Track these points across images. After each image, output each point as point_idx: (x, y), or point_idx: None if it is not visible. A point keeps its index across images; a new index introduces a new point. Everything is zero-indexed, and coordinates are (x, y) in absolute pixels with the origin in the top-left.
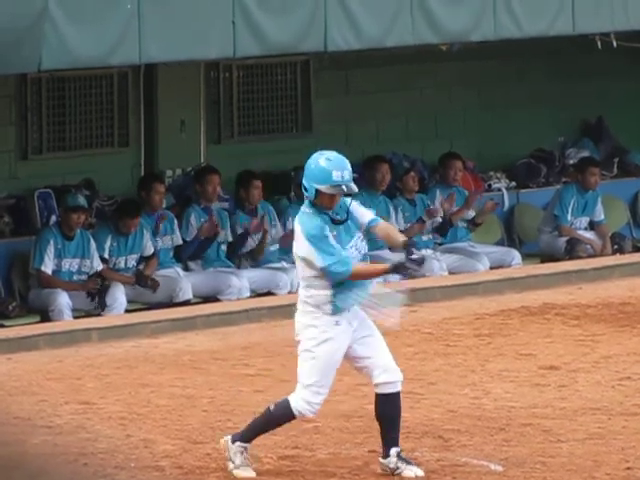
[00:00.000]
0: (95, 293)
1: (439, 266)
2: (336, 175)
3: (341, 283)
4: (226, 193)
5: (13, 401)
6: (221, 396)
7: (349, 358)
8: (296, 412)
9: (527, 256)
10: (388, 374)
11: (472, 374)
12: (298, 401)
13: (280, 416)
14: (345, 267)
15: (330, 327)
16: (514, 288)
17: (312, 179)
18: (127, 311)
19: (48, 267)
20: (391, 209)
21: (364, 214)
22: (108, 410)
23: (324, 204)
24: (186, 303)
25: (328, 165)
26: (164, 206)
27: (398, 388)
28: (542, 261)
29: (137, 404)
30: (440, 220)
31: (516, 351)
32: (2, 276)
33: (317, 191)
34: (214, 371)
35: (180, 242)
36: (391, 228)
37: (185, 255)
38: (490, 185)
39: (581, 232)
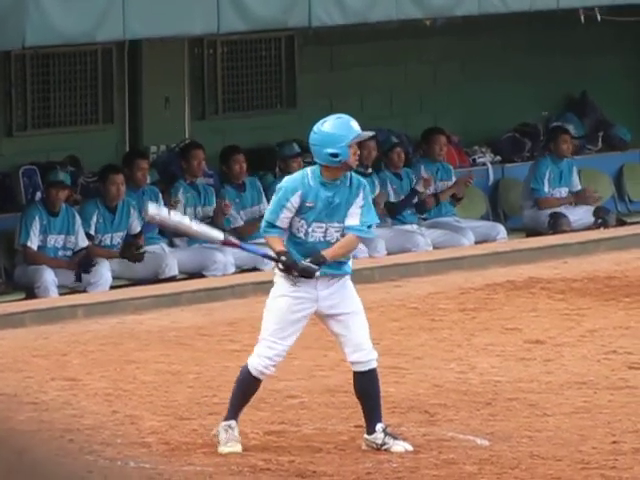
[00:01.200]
0: (79, 271)
1: (424, 241)
2: (355, 126)
3: (297, 250)
4: (210, 169)
5: None
6: (207, 372)
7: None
8: (252, 369)
9: (512, 230)
10: (359, 353)
11: (458, 349)
12: (253, 357)
13: (242, 380)
14: (264, 229)
15: (286, 286)
16: (499, 262)
17: (338, 140)
18: (112, 287)
19: (34, 243)
20: (376, 182)
21: (352, 215)
22: (94, 386)
23: (352, 161)
24: (172, 279)
25: (343, 121)
26: (148, 182)
27: (371, 366)
28: (527, 235)
29: (123, 380)
30: (419, 198)
31: (502, 325)
32: None
33: (348, 149)
34: (200, 347)
35: None
36: (340, 243)
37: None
38: (475, 159)
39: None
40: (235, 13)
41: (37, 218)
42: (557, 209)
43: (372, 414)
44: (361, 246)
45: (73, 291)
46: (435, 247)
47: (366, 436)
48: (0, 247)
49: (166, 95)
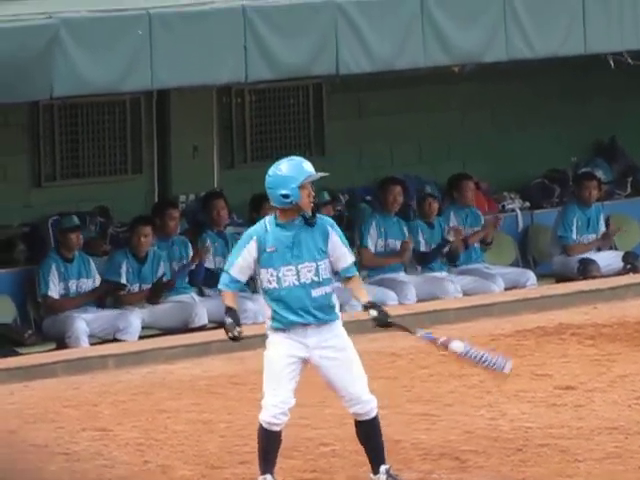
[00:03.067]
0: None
1: (454, 288)
2: (307, 167)
3: (277, 303)
4: (240, 217)
5: (30, 429)
6: (239, 420)
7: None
8: (262, 423)
9: (542, 276)
10: (359, 406)
11: (488, 395)
12: (261, 411)
13: (259, 436)
14: (222, 280)
15: (274, 336)
16: (529, 309)
17: (289, 182)
18: (143, 337)
19: (54, 292)
20: (405, 230)
21: (340, 257)
22: (125, 436)
23: (305, 203)
24: (202, 328)
25: (295, 162)
26: (178, 232)
27: (371, 415)
28: (557, 281)
29: (154, 430)
30: (449, 248)
31: (532, 371)
32: (17, 304)
33: (299, 189)
34: (231, 396)
35: (192, 267)
36: (360, 286)
37: (199, 280)
38: (504, 206)
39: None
40: (263, 62)
41: (53, 266)
42: (586, 255)
43: (376, 456)
44: (391, 294)
45: (104, 341)
46: (465, 294)
47: (371, 475)
48: (30, 298)
49: (195, 144)
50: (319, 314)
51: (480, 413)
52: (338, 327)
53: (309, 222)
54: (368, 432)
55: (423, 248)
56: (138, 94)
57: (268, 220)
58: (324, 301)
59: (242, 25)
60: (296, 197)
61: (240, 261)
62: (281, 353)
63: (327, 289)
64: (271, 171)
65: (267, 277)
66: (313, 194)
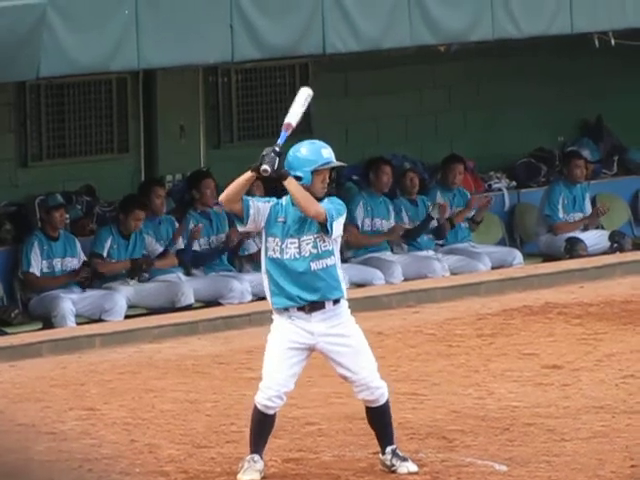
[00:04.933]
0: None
1: (441, 267)
2: (325, 153)
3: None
4: None
5: (17, 408)
6: (225, 400)
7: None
8: (257, 404)
9: (528, 256)
10: (367, 392)
11: (475, 374)
12: (257, 392)
13: (253, 417)
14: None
15: (280, 320)
16: (516, 288)
17: (304, 164)
18: (129, 316)
19: (36, 269)
20: (391, 209)
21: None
22: (112, 416)
23: (317, 189)
24: (188, 308)
25: (315, 147)
26: (164, 211)
27: (381, 402)
28: (543, 260)
29: (141, 409)
30: (436, 224)
31: (519, 351)
32: (4, 284)
33: (312, 174)
34: (217, 375)
35: (182, 247)
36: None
37: (185, 260)
38: (490, 185)
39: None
40: (249, 41)
41: (36, 244)
42: (573, 234)
43: (384, 439)
44: (378, 273)
45: (90, 320)
46: (452, 273)
47: (380, 456)
48: (16, 278)
49: (181, 123)
50: (321, 288)
51: (467, 392)
52: (344, 313)
53: None
54: (378, 418)
55: (407, 225)
56: (124, 74)
57: (285, 197)
58: (324, 275)
59: (228, 4)
60: (307, 181)
61: (254, 201)
62: (284, 338)
63: (328, 261)
64: (292, 150)
65: (272, 245)
66: (328, 181)
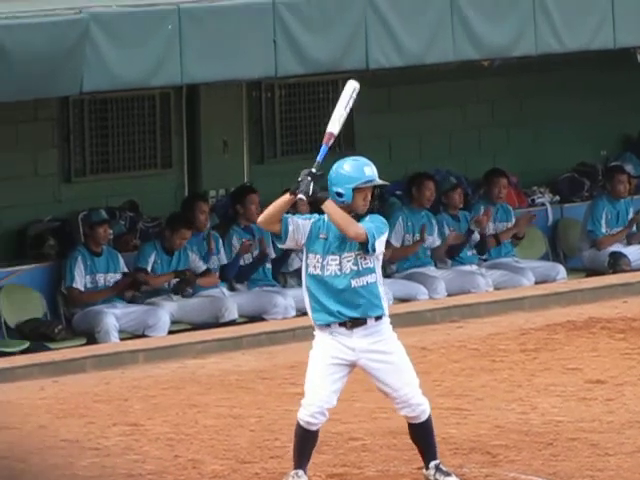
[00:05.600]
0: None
1: (484, 282)
2: (367, 170)
3: (319, 289)
4: None
5: (61, 424)
6: (268, 415)
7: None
8: (300, 421)
9: (572, 270)
10: (409, 408)
11: (519, 389)
12: (300, 409)
13: (296, 433)
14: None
15: (321, 336)
16: (559, 303)
17: (345, 181)
18: (172, 332)
19: (79, 284)
20: (434, 224)
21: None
22: (156, 431)
23: (358, 206)
24: (232, 323)
25: (357, 164)
26: (208, 226)
27: (423, 419)
28: (587, 275)
29: (184, 425)
30: (478, 237)
31: (562, 365)
32: (48, 299)
33: (353, 191)
34: (261, 390)
35: (225, 262)
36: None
37: (230, 275)
38: (534, 200)
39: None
40: (292, 56)
41: (80, 259)
42: (616, 248)
43: (427, 454)
44: (422, 288)
45: (134, 336)
46: (495, 288)
47: (424, 471)
48: (59, 293)
49: (224, 139)
50: (361, 305)
51: (511, 407)
52: (386, 329)
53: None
54: (420, 434)
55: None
56: (168, 88)
57: None
58: (365, 292)
59: (272, 20)
60: (349, 198)
61: (295, 220)
62: (326, 354)
63: (368, 279)
64: (335, 166)
65: (313, 262)
66: (370, 198)
